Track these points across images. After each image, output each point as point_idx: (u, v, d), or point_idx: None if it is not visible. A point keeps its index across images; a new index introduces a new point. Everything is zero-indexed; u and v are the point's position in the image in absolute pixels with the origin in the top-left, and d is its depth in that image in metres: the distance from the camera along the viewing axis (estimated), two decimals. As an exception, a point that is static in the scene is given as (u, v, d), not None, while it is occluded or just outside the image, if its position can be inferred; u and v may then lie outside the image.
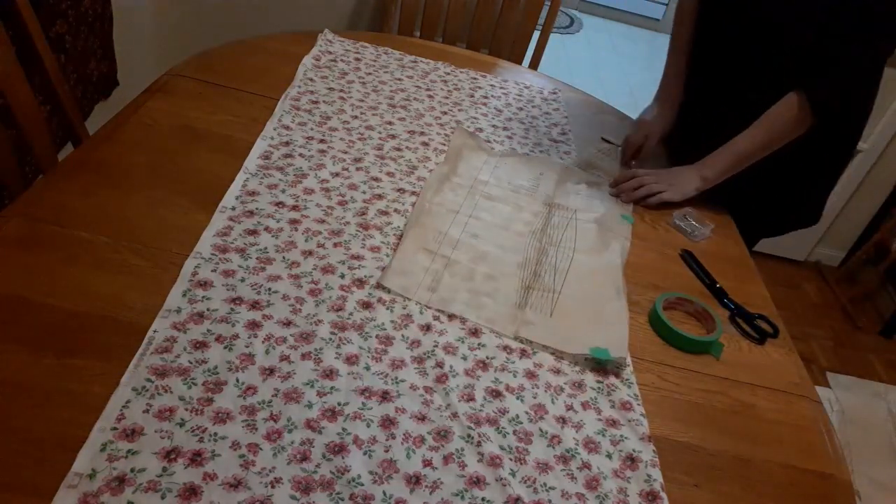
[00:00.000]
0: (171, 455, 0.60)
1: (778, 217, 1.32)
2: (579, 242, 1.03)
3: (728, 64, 1.18)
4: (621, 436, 0.74)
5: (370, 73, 1.39)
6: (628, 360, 0.84)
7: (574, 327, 0.87)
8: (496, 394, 0.75)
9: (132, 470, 0.58)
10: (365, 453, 0.65)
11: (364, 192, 1.02)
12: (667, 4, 4.42)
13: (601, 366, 0.83)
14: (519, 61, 1.95)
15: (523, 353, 0.82)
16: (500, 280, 0.92)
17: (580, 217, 1.09)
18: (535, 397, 0.76)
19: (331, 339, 0.76)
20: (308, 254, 0.88)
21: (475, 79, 1.49)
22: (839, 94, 1.06)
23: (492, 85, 1.49)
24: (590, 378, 0.81)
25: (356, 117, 1.22)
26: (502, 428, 0.71)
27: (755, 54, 1.13)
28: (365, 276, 0.86)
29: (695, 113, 1.29)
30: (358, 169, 1.07)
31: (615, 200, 1.17)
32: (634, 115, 1.52)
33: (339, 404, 0.69)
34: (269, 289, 0.80)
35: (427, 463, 0.66)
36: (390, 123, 1.23)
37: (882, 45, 1.04)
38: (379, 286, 0.85)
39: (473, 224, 1.01)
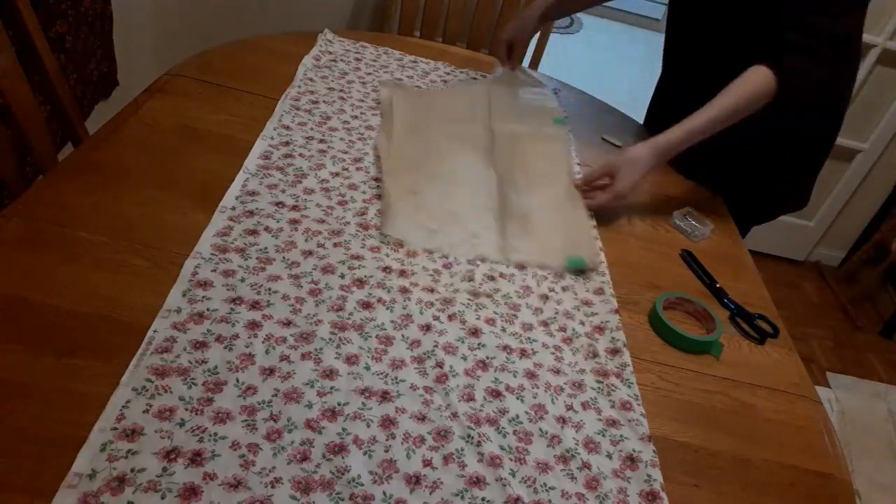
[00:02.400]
0: (171, 455, 0.60)
1: (768, 202, 1.33)
2: (529, 156, 1.15)
3: (708, 41, 1.19)
4: (621, 436, 0.74)
5: (370, 73, 1.39)
6: (604, 264, 0.96)
7: (551, 243, 1.00)
8: (496, 394, 0.75)
9: (132, 470, 0.58)
10: (365, 453, 0.65)
11: (364, 192, 1.02)
12: (666, 4, 4.41)
13: (580, 273, 0.96)
14: (519, 61, 1.95)
15: (523, 353, 0.82)
16: (473, 220, 1.01)
17: (519, 133, 1.20)
18: (535, 397, 0.76)
19: (331, 339, 0.76)
20: (308, 254, 0.87)
21: (475, 79, 1.49)
22: (805, 65, 1.04)
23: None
24: (590, 378, 0.81)
25: (356, 117, 1.21)
26: (502, 428, 0.71)
27: (732, 29, 1.13)
28: (365, 276, 0.86)
29: (678, 94, 1.29)
30: (358, 169, 1.07)
31: (544, 112, 1.30)
32: (634, 115, 1.52)
33: (339, 404, 0.69)
34: (269, 289, 0.80)
35: (427, 463, 0.66)
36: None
37: (847, 14, 1.02)
38: (380, 284, 0.85)
39: (434, 167, 1.11)
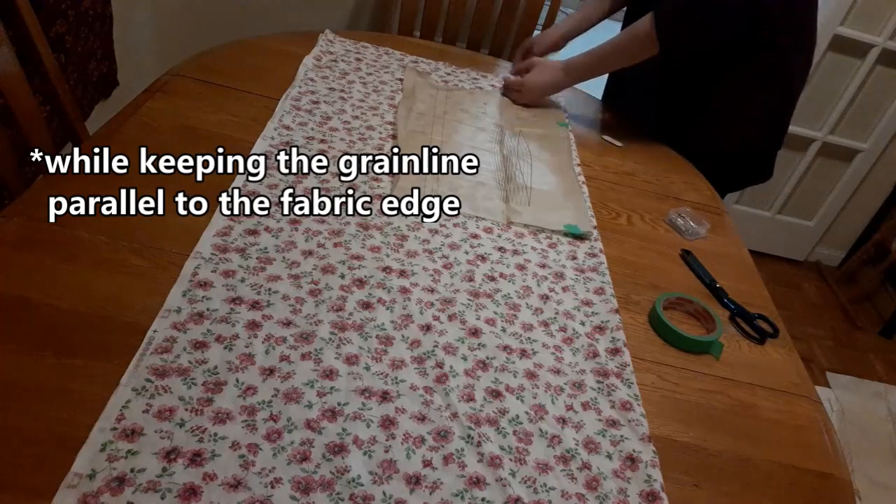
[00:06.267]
0: (171, 455, 0.60)
1: (735, 173, 1.47)
2: (533, 149, 1.27)
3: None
4: (621, 436, 0.74)
5: (371, 73, 1.39)
6: (595, 233, 1.05)
7: (549, 212, 1.09)
8: (496, 394, 0.75)
9: (132, 470, 0.58)
10: (365, 453, 0.65)
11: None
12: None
13: (576, 237, 1.05)
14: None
15: (523, 354, 0.82)
16: (482, 186, 1.11)
17: (525, 132, 1.32)
18: (535, 397, 0.76)
19: (331, 339, 0.76)
20: (308, 254, 0.88)
21: (475, 79, 1.49)
22: (679, 16, 1.17)
23: (492, 85, 1.49)
24: (590, 378, 0.81)
25: (357, 117, 1.22)
26: (502, 428, 0.71)
27: None
28: (365, 276, 0.86)
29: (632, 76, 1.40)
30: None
31: (548, 115, 1.41)
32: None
33: (339, 404, 0.69)
34: (269, 289, 0.80)
35: (427, 463, 0.66)
36: (391, 123, 1.23)
37: None
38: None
39: (447, 145, 1.19)
